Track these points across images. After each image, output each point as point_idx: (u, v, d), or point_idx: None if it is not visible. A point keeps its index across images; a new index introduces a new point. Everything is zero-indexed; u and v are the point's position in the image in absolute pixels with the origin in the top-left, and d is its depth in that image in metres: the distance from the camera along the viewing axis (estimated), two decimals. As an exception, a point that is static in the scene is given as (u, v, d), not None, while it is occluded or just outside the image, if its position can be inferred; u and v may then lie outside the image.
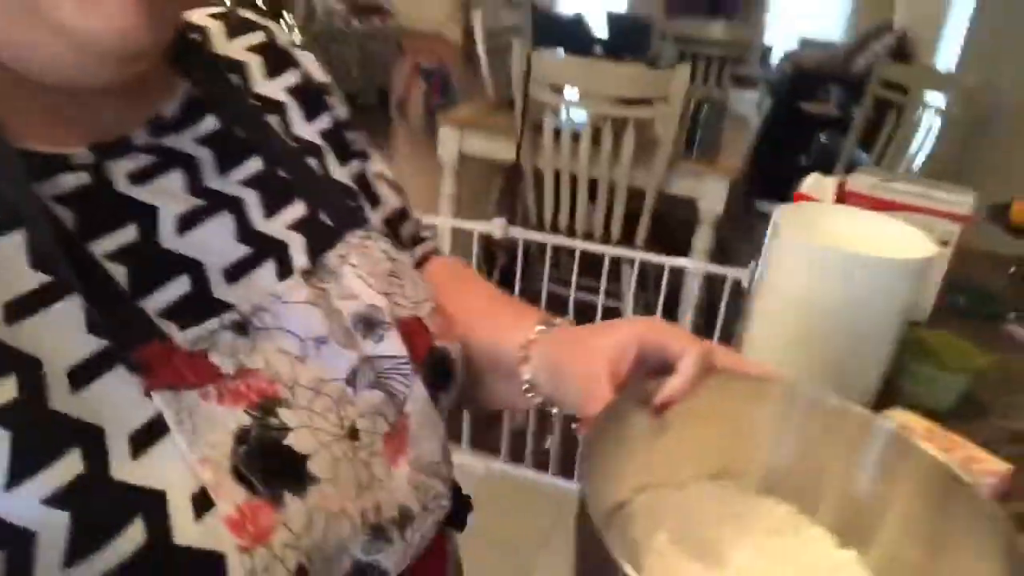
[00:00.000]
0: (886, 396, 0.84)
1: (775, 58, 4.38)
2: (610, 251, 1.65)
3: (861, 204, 0.92)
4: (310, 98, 0.55)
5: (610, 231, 2.12)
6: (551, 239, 1.61)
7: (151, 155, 0.45)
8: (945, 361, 0.84)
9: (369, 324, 0.47)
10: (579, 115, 2.04)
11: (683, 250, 2.02)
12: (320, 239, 0.49)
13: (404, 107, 4.68)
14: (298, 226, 0.49)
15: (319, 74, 0.58)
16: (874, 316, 0.78)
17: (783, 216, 0.82)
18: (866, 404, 0.83)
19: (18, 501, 0.32)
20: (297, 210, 0.49)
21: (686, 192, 2.08)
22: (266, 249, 0.46)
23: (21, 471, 0.33)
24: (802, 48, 4.61)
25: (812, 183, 1.07)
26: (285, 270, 0.46)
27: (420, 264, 0.63)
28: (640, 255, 1.58)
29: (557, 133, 2.02)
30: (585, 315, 1.84)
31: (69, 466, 0.34)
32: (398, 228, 0.61)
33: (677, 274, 1.87)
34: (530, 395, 0.56)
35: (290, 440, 0.40)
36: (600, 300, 1.94)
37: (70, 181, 0.40)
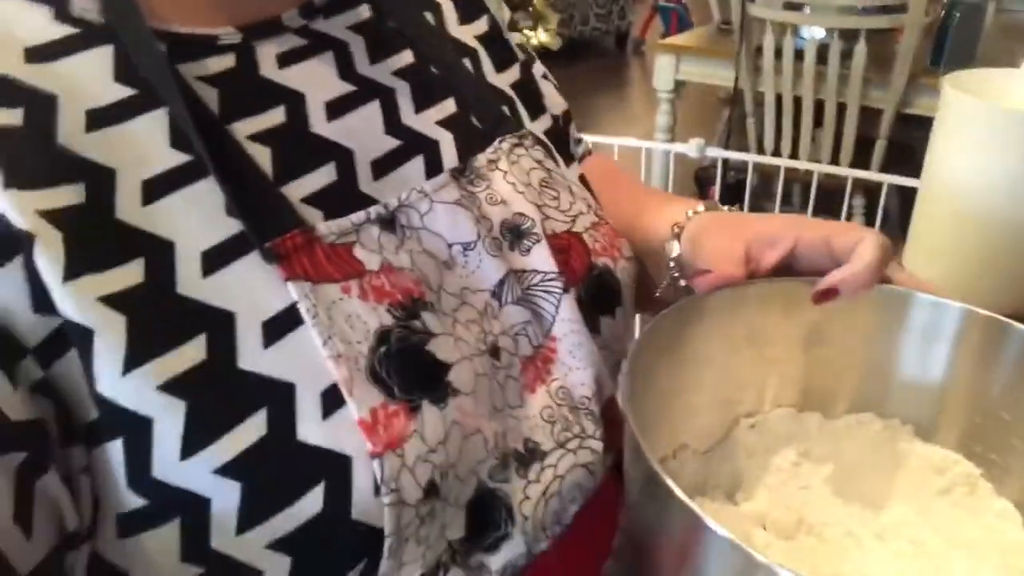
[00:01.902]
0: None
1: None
2: (831, 170, 1.52)
3: (1082, 75, 0.77)
4: (466, 1, 0.53)
5: (838, 159, 1.96)
6: (754, 158, 1.52)
7: (301, 37, 0.43)
8: None
9: (517, 233, 0.44)
10: (807, 32, 1.89)
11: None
12: (470, 140, 0.46)
13: (641, 47, 4.64)
14: (448, 123, 0.46)
15: None
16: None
17: (953, 83, 0.73)
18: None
19: (132, 388, 0.31)
20: (448, 107, 0.47)
21: (929, 111, 1.84)
22: (415, 144, 0.44)
23: (136, 359, 0.31)
24: None
25: (1034, 63, 0.92)
26: (434, 168, 0.44)
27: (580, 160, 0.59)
28: (874, 175, 1.42)
29: (780, 54, 1.90)
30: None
31: (190, 353, 0.32)
32: (568, 130, 0.57)
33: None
34: (676, 275, 0.50)
35: (433, 346, 0.37)
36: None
37: (215, 63, 0.39)
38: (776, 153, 2.03)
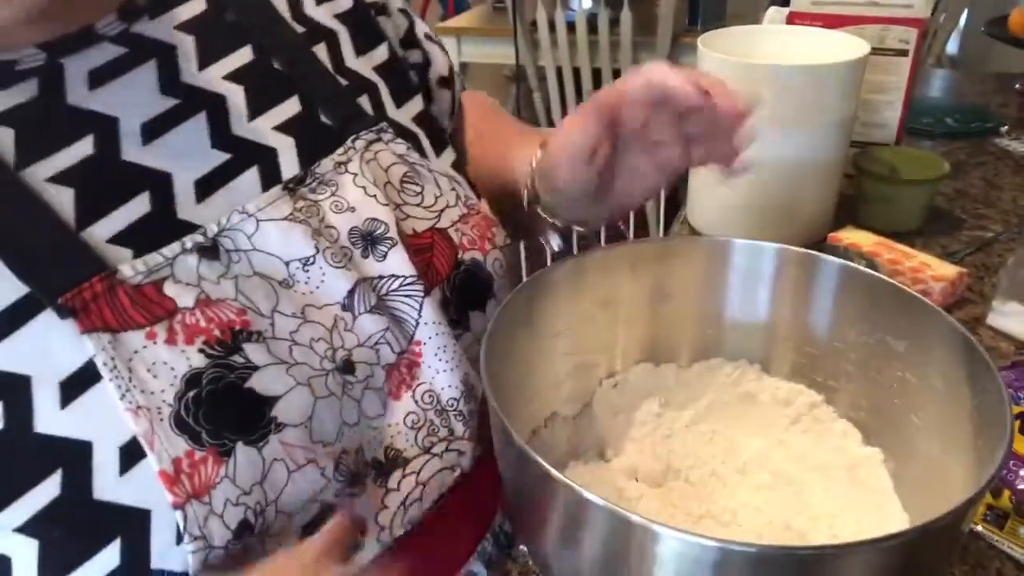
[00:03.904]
0: (850, 223, 0.81)
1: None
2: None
3: (811, 24, 0.86)
4: None
5: (622, 121, 2.07)
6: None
7: (120, 46, 0.38)
8: (904, 176, 0.80)
9: (371, 240, 0.41)
10: (576, 4, 1.97)
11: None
12: (316, 142, 0.42)
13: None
14: (289, 127, 0.42)
15: None
16: (811, 133, 0.74)
17: (705, 43, 0.78)
18: (822, 235, 0.79)
19: None
20: (290, 108, 0.42)
21: (694, 66, 1.99)
22: (248, 156, 0.40)
23: None
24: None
25: (772, 15, 1.01)
26: (271, 179, 0.40)
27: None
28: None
29: (554, 27, 1.96)
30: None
31: None
32: (454, 95, 0.55)
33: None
34: (552, 219, 0.50)
35: (254, 381, 0.35)
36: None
37: (13, 95, 0.35)
38: (565, 123, 2.11)
